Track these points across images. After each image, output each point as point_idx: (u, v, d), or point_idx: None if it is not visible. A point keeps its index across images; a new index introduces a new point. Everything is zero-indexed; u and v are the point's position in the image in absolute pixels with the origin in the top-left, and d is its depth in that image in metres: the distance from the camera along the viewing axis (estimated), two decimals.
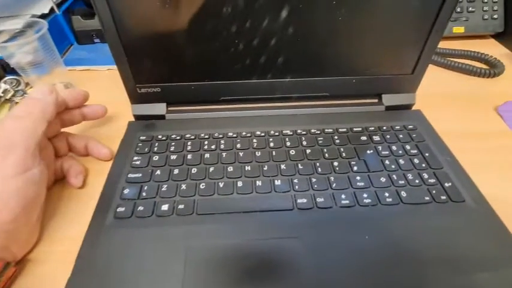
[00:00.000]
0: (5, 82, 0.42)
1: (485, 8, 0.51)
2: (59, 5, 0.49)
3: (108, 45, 0.31)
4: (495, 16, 0.52)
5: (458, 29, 0.52)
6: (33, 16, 0.44)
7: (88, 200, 0.28)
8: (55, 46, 0.40)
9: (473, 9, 0.51)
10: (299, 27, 0.31)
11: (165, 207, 0.27)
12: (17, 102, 0.41)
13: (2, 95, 0.41)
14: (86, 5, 0.53)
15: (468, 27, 0.52)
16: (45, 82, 0.41)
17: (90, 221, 0.26)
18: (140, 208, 0.27)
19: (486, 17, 0.52)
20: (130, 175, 0.29)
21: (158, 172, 0.30)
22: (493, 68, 0.46)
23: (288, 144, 0.33)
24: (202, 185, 0.29)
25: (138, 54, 0.32)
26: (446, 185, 0.29)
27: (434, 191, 0.28)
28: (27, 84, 0.43)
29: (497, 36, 0.54)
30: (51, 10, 0.47)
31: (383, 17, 0.31)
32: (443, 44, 0.51)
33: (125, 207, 0.27)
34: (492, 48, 0.52)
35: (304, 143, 0.33)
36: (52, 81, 0.42)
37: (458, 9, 0.52)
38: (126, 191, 0.28)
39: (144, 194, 0.28)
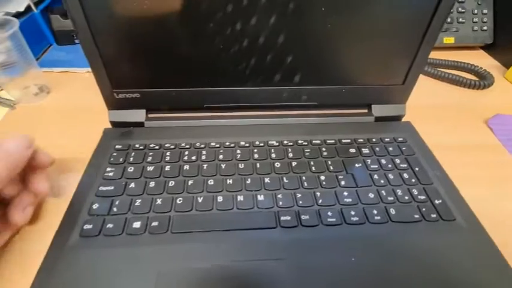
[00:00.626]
0: None
1: (475, 20, 0.51)
2: (37, 4, 0.46)
3: (82, 47, 0.29)
4: (484, 28, 0.51)
5: (449, 40, 0.52)
6: (7, 14, 0.42)
7: (53, 215, 0.26)
8: (28, 46, 0.38)
9: (463, 21, 0.51)
10: (287, 34, 0.30)
11: (137, 224, 0.25)
12: None
13: None
14: None
15: (458, 38, 0.52)
16: (17, 84, 0.39)
17: (51, 241, 0.23)
18: (109, 225, 0.24)
19: (476, 28, 0.51)
20: (101, 188, 0.27)
21: (132, 185, 0.28)
22: (482, 80, 0.45)
23: (273, 156, 0.31)
24: (180, 200, 0.27)
25: (115, 57, 0.30)
26: (437, 202, 0.28)
27: (424, 209, 0.27)
28: None
29: (487, 48, 0.54)
30: (28, 8, 0.45)
31: (373, 27, 0.30)
32: (433, 54, 0.51)
33: (92, 224, 0.24)
34: (482, 59, 0.52)
35: (291, 154, 0.31)
36: (25, 84, 0.40)
37: (449, 20, 0.51)
38: (95, 206, 0.26)
39: (115, 209, 0.26)
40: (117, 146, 0.31)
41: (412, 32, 0.31)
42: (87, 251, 0.23)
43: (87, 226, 0.24)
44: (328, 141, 0.33)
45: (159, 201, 0.26)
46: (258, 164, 0.30)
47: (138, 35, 0.29)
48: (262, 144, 0.32)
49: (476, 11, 0.51)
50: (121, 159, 0.30)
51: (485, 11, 0.51)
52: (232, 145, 0.32)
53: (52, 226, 0.25)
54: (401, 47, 0.32)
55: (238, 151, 0.31)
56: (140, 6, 0.27)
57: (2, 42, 0.35)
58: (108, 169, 0.29)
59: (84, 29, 0.28)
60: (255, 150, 0.32)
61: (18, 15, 0.43)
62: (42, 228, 0.25)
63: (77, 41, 0.49)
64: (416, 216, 0.27)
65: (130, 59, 0.31)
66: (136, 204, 0.26)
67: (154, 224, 0.25)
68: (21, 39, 0.37)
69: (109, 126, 0.34)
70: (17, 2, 0.44)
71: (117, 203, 0.26)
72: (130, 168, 0.29)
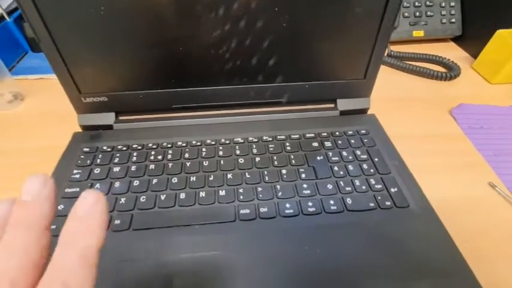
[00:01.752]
0: None
1: (443, 13, 0.52)
2: (10, 13, 0.47)
3: (45, 55, 0.30)
4: (453, 20, 0.53)
5: (418, 33, 0.53)
6: None
7: None
8: (2, 55, 0.38)
9: (431, 14, 0.52)
10: (247, 33, 0.30)
11: None
12: None
13: None
14: None
15: (427, 31, 0.53)
16: None
17: None
18: None
19: (444, 21, 0.53)
20: (67, 190, 0.28)
21: (97, 185, 0.28)
22: (449, 71, 0.46)
23: (238, 152, 0.32)
24: (143, 198, 0.28)
25: (79, 63, 0.31)
26: (392, 190, 0.29)
27: (379, 197, 0.28)
28: None
29: (457, 40, 0.55)
30: (1, 17, 0.45)
31: (331, 25, 0.31)
32: (404, 48, 0.52)
33: (56, 225, 0.25)
34: (452, 51, 0.53)
35: (255, 150, 0.32)
36: None
37: (417, 14, 0.52)
38: (60, 208, 0.27)
39: None
40: (84, 149, 0.32)
41: (367, 28, 0.32)
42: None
43: (52, 227, 0.25)
44: (292, 136, 0.34)
45: (122, 200, 0.27)
46: (222, 161, 0.31)
47: (101, 39, 0.30)
48: (227, 142, 0.33)
49: (444, 4, 0.52)
50: (88, 161, 0.31)
51: (452, 4, 0.52)
52: (198, 143, 0.33)
53: None
54: (358, 42, 0.33)
55: (204, 149, 0.32)
56: (101, 10, 0.28)
57: None
58: (75, 171, 0.30)
59: (45, 38, 0.28)
60: (220, 148, 0.33)
61: None
62: None
63: None
64: (372, 204, 0.28)
65: (95, 63, 0.32)
66: None
67: (117, 222, 0.26)
68: None
69: (79, 130, 0.35)
70: None
71: None
72: (97, 170, 0.30)
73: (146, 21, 0.29)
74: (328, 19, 0.31)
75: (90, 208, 0.13)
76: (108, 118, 0.35)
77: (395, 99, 0.42)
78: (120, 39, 0.30)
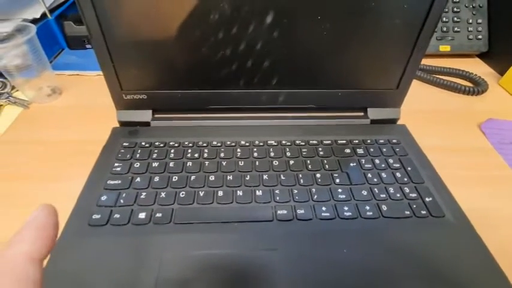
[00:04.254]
0: None
1: (470, 29, 0.53)
2: (52, 10, 0.49)
3: (95, 52, 0.31)
4: (479, 36, 0.53)
5: (445, 48, 0.53)
6: (24, 20, 0.44)
7: (64, 205, 0.27)
8: (43, 50, 0.40)
9: (458, 30, 0.53)
10: (285, 40, 0.31)
11: (142, 215, 0.26)
12: (1, 105, 0.41)
13: None
14: None
15: (454, 46, 0.53)
16: (32, 85, 0.41)
17: (63, 227, 0.25)
18: (116, 216, 0.26)
19: (471, 37, 0.53)
20: (109, 181, 0.29)
21: (138, 179, 0.29)
22: (477, 86, 0.47)
23: (272, 154, 0.33)
24: (182, 194, 0.28)
25: (124, 61, 0.32)
26: (427, 199, 0.29)
27: (414, 206, 0.28)
28: (13, 87, 0.43)
29: (482, 56, 0.56)
30: (44, 15, 0.47)
31: (368, 35, 0.32)
32: (430, 61, 0.52)
33: (100, 215, 0.26)
34: (477, 67, 0.53)
35: (288, 154, 0.33)
36: (39, 85, 0.42)
37: (445, 29, 0.53)
38: (103, 198, 0.27)
39: (121, 201, 0.27)
40: (124, 144, 0.33)
41: (405, 40, 0.33)
42: (96, 239, 0.25)
43: (96, 216, 0.26)
44: (324, 142, 0.35)
45: (163, 194, 0.28)
46: (257, 162, 0.32)
47: (147, 40, 0.31)
48: (261, 144, 0.34)
49: (471, 21, 0.53)
50: (128, 156, 0.32)
51: (479, 21, 0.53)
52: (233, 144, 0.34)
53: (63, 215, 0.26)
54: (394, 53, 0.34)
55: (239, 150, 0.33)
56: (150, 15, 0.29)
57: (19, 47, 0.37)
58: (116, 164, 0.31)
59: (97, 35, 0.30)
60: (255, 149, 0.33)
61: (34, 21, 0.45)
62: None
63: (87, 46, 0.52)
64: (407, 212, 0.28)
65: (139, 62, 0.33)
66: (142, 197, 0.28)
67: (158, 215, 0.26)
68: (37, 44, 0.39)
69: (117, 125, 0.36)
70: (33, 9, 0.47)
71: (123, 195, 0.28)
72: (137, 164, 0.31)
73: (190, 25, 0.30)
74: (367, 29, 0.32)
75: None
76: (146, 115, 0.36)
77: (423, 111, 0.43)
78: (164, 42, 0.31)
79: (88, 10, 0.28)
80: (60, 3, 0.51)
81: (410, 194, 0.29)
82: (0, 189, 0.31)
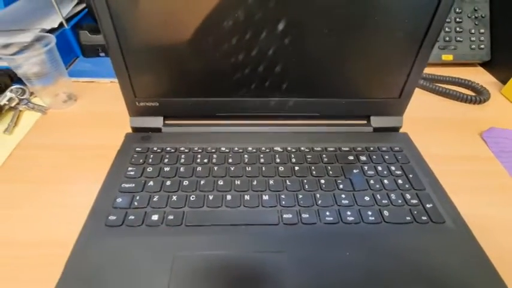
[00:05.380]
0: (11, 91, 0.44)
1: (472, 39, 0.54)
2: (68, 20, 0.51)
3: (111, 60, 0.33)
4: (482, 46, 0.54)
5: (447, 57, 0.55)
6: (43, 30, 0.47)
7: (82, 206, 0.29)
8: (61, 58, 0.42)
9: (461, 39, 0.54)
10: (293, 50, 0.33)
11: (155, 217, 0.28)
12: (21, 110, 0.43)
13: (7, 103, 0.42)
14: (94, 20, 0.56)
15: (456, 55, 0.54)
16: (49, 92, 0.43)
17: (81, 228, 0.27)
18: (131, 217, 0.28)
19: (473, 46, 0.54)
20: (123, 185, 0.31)
21: (151, 183, 0.31)
22: (478, 95, 0.48)
23: (278, 160, 0.34)
24: (193, 197, 0.30)
25: (138, 70, 0.34)
26: (428, 206, 0.30)
27: (415, 212, 0.29)
28: (31, 93, 0.45)
29: (485, 65, 0.57)
30: (60, 24, 0.50)
31: (371, 46, 0.34)
32: (432, 70, 0.54)
33: (116, 216, 0.28)
34: (479, 76, 0.54)
35: (293, 160, 0.34)
36: (56, 92, 0.44)
37: (447, 39, 0.54)
38: (118, 200, 0.29)
39: (135, 203, 0.29)
40: (137, 149, 0.35)
41: (407, 50, 0.34)
42: (112, 239, 0.26)
43: (112, 217, 0.28)
44: (328, 149, 0.36)
45: (174, 197, 0.30)
46: (263, 168, 0.33)
47: (160, 51, 0.33)
48: (268, 150, 0.35)
49: (473, 31, 0.54)
50: (141, 160, 0.33)
51: (482, 30, 0.54)
52: (240, 150, 0.35)
53: (81, 217, 0.28)
54: (397, 63, 0.35)
55: (246, 155, 0.35)
56: (163, 27, 0.31)
57: (38, 55, 0.40)
58: (130, 168, 0.32)
59: (114, 45, 0.32)
60: (261, 155, 0.35)
61: (51, 30, 0.48)
62: (72, 218, 0.28)
63: (101, 54, 0.54)
64: (408, 218, 0.29)
65: (152, 71, 0.35)
66: (154, 199, 0.29)
67: (170, 217, 0.28)
68: (56, 53, 0.41)
69: (129, 130, 0.38)
70: (51, 19, 0.49)
71: (137, 198, 0.29)
72: (149, 169, 0.32)
73: (202, 37, 0.32)
74: (371, 41, 0.33)
75: None
76: (158, 122, 0.38)
77: (425, 120, 0.44)
78: (176, 52, 0.33)
79: (106, 22, 0.30)
80: (75, 13, 0.54)
81: (412, 200, 0.30)
82: (20, 191, 0.32)
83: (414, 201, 0.30)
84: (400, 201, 0.30)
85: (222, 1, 0.29)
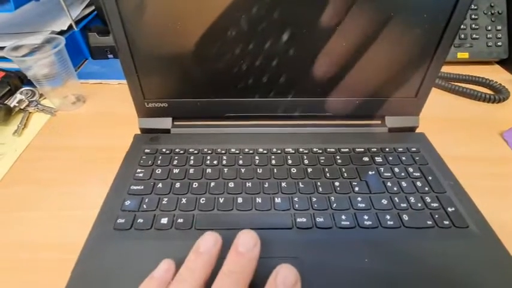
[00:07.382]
0: (21, 93, 0.44)
1: (489, 36, 0.52)
2: (77, 22, 0.51)
3: (120, 61, 0.32)
4: (499, 43, 0.52)
5: (463, 55, 0.53)
6: (52, 32, 0.47)
7: (91, 208, 0.28)
8: (70, 60, 0.42)
9: (477, 37, 0.52)
10: (303, 49, 0.32)
11: (164, 220, 0.27)
12: (30, 112, 0.43)
13: (17, 104, 0.42)
14: (103, 23, 0.56)
15: (472, 53, 0.53)
16: (58, 93, 0.43)
17: (90, 231, 0.26)
18: (140, 220, 0.27)
19: (490, 44, 0.52)
20: (132, 187, 0.30)
21: (160, 185, 0.30)
22: (497, 94, 0.46)
23: (290, 162, 0.33)
24: (203, 200, 0.29)
25: (147, 71, 0.34)
26: (450, 209, 0.28)
27: (437, 216, 0.28)
28: (41, 95, 0.45)
29: (502, 63, 0.54)
30: (70, 27, 0.50)
31: (387, 43, 0.32)
32: (448, 69, 0.52)
33: (124, 219, 0.27)
34: (497, 74, 0.52)
35: (306, 161, 0.33)
36: (65, 93, 0.44)
37: (463, 36, 0.53)
38: (127, 203, 0.28)
39: (144, 206, 0.28)
40: (146, 150, 0.34)
41: (424, 48, 0.33)
42: (120, 242, 0.25)
43: (120, 220, 0.27)
44: (342, 150, 0.35)
45: (184, 200, 0.29)
46: (275, 169, 0.32)
47: (169, 52, 0.33)
48: (279, 151, 0.34)
49: (490, 28, 0.52)
50: (150, 162, 0.33)
51: (499, 27, 0.52)
52: (251, 151, 0.34)
53: (90, 219, 0.27)
54: (413, 62, 0.34)
55: (257, 157, 0.34)
56: (173, 29, 0.30)
57: (47, 57, 0.39)
58: (139, 170, 0.32)
59: (124, 48, 0.31)
60: (273, 157, 0.34)
61: (61, 32, 0.48)
62: (81, 221, 0.27)
63: (110, 56, 0.54)
64: (429, 222, 0.27)
65: (161, 73, 0.34)
66: (164, 202, 0.29)
67: (180, 220, 0.27)
68: (65, 54, 0.41)
69: (138, 132, 0.38)
70: (61, 21, 0.49)
71: (146, 200, 0.29)
72: (158, 170, 0.32)
73: (211, 38, 0.31)
74: (387, 39, 0.32)
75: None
76: (166, 123, 0.37)
77: (443, 120, 0.42)
78: (185, 53, 0.32)
79: (116, 25, 0.30)
80: (84, 16, 0.54)
81: (432, 204, 0.29)
82: (28, 193, 0.32)
83: (435, 204, 0.29)
84: (419, 204, 0.29)
85: (232, 3, 0.29)
